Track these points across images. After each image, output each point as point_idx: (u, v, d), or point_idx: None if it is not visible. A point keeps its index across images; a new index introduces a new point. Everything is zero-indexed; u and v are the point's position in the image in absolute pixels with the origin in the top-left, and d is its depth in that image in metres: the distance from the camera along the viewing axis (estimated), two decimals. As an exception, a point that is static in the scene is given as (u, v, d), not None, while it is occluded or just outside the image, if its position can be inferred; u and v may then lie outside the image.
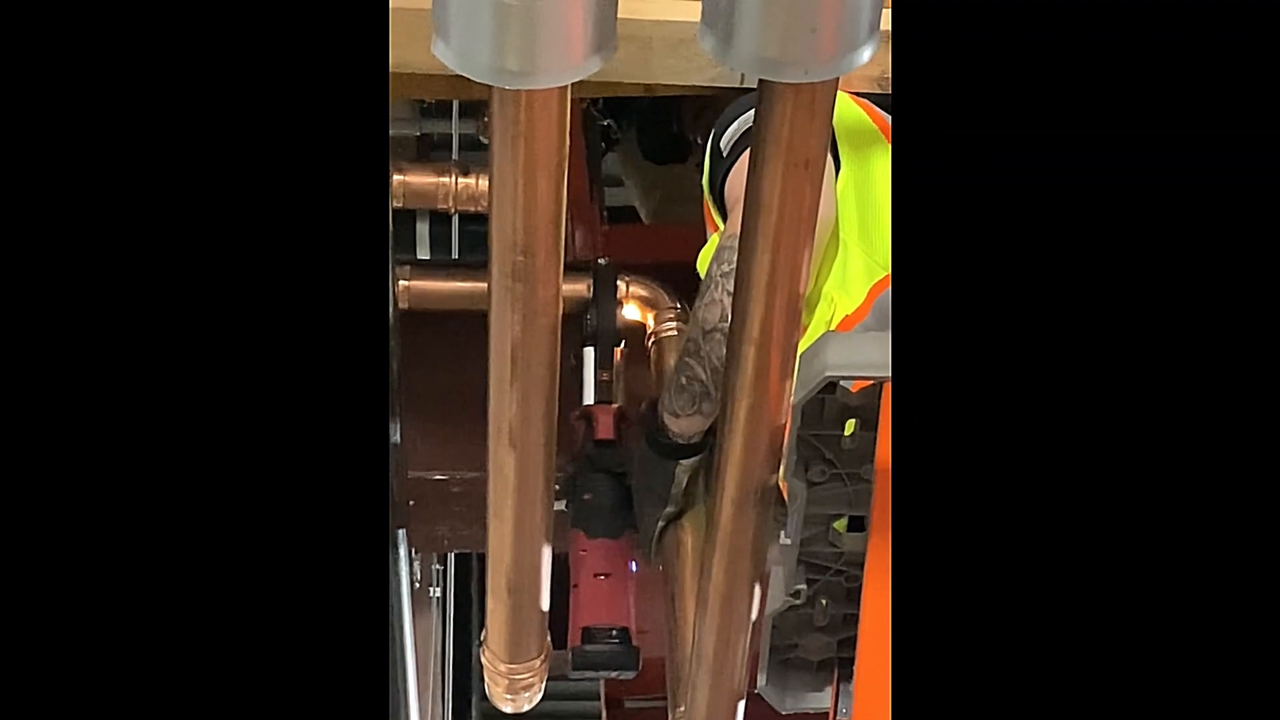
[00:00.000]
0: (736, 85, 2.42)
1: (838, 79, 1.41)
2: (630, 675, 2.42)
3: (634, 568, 2.46)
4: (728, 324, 2.05)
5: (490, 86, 1.36)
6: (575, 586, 2.41)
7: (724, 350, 2.06)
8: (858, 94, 2.31)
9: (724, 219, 2.22)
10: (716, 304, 2.10)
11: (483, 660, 2.03)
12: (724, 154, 2.21)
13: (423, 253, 4.07)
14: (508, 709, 2.13)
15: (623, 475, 2.44)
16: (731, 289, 2.03)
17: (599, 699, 4.04)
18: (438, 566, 4.29)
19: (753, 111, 2.13)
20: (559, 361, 1.68)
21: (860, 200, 2.15)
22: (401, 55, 1.58)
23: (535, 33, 1.29)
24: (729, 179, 2.19)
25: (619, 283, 2.55)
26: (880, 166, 2.16)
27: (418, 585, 3.81)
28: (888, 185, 2.11)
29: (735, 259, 2.05)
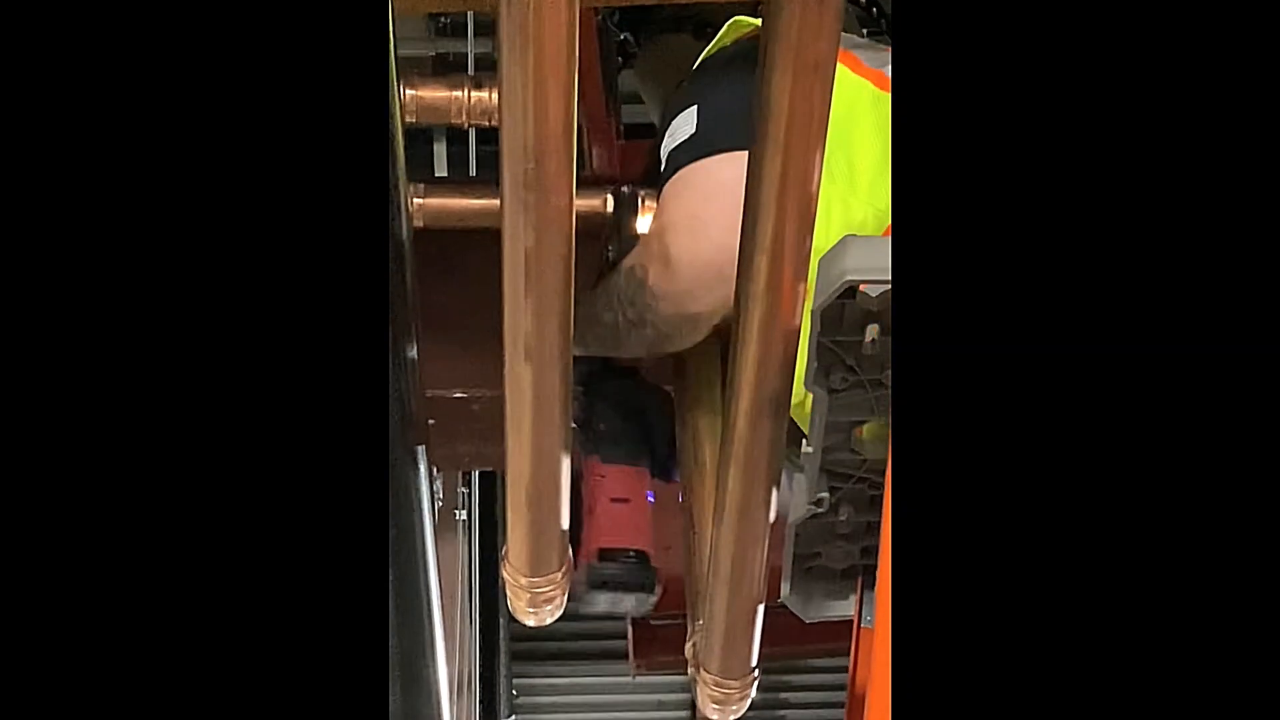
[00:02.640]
0: None
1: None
2: (649, 598, 2.43)
3: (651, 497, 2.47)
4: (616, 333, 2.20)
5: (494, -10, 1.36)
6: (590, 512, 2.42)
7: (607, 340, 2.26)
8: None
9: None
10: (611, 311, 2.23)
11: (504, 574, 2.04)
12: (661, 163, 2.20)
13: (440, 172, 4.06)
14: (530, 622, 2.13)
15: (638, 402, 2.46)
16: (628, 314, 2.17)
17: (624, 617, 4.06)
18: (463, 490, 4.31)
19: (691, 109, 2.15)
20: (574, 274, 1.68)
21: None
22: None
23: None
24: (665, 193, 2.19)
25: (638, 200, 2.53)
26: (844, 92, 2.09)
27: (440, 504, 3.83)
28: (853, 109, 2.07)
29: (639, 295, 2.15)
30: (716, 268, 2.00)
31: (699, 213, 2.11)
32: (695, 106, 2.17)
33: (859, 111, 2.06)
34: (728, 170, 2.00)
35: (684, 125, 2.17)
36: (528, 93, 1.47)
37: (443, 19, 3.96)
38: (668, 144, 2.18)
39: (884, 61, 2.13)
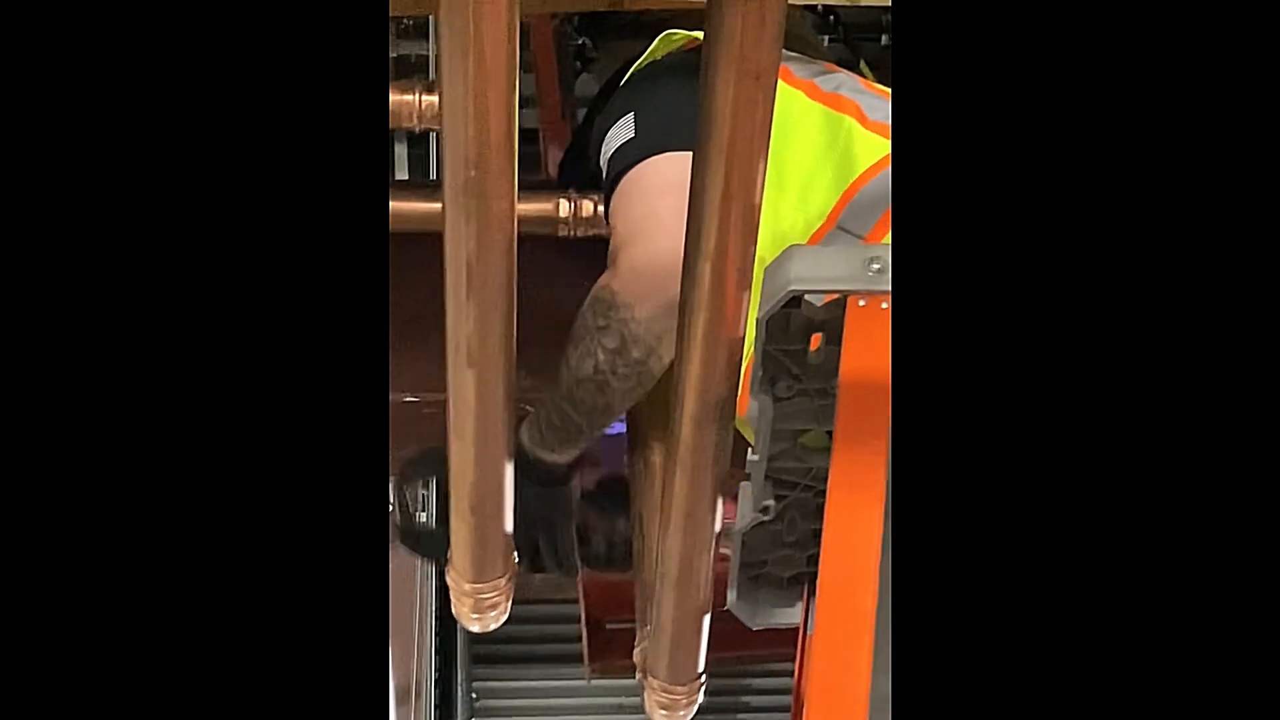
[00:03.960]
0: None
1: (790, -13, 1.41)
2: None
3: None
4: (602, 375, 2.11)
5: (435, -5, 1.36)
6: None
7: (598, 396, 2.13)
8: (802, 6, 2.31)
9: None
10: (591, 356, 2.12)
11: (448, 580, 2.04)
12: (604, 172, 2.19)
13: (401, 174, 4.06)
14: (475, 628, 2.13)
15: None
16: (606, 343, 2.09)
17: (580, 621, 4.07)
18: (424, 492, 4.30)
19: (628, 116, 2.14)
20: (516, 279, 1.68)
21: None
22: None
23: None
24: (613, 205, 2.18)
25: (588, 202, 2.53)
26: (780, 105, 2.12)
27: (393, 508, 3.83)
28: (790, 122, 2.08)
29: (612, 313, 2.09)
30: (677, 258, 2.00)
31: (652, 210, 2.10)
32: (632, 114, 2.17)
33: (790, 121, 2.07)
34: (672, 167, 2.01)
35: (622, 131, 2.16)
36: (468, 99, 1.46)
37: (404, 21, 3.95)
38: (606, 150, 2.17)
39: (815, 73, 2.15)
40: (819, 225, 2.03)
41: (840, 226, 2.04)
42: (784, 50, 2.19)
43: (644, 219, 2.12)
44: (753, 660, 3.40)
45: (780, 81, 2.08)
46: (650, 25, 3.01)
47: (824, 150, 2.06)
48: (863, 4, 2.35)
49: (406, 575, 4.07)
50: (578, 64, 3.36)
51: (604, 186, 2.19)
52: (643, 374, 2.13)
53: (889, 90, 2.14)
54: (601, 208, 2.38)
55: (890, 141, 1.99)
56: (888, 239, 1.86)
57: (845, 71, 2.26)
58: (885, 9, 2.63)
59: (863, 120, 2.08)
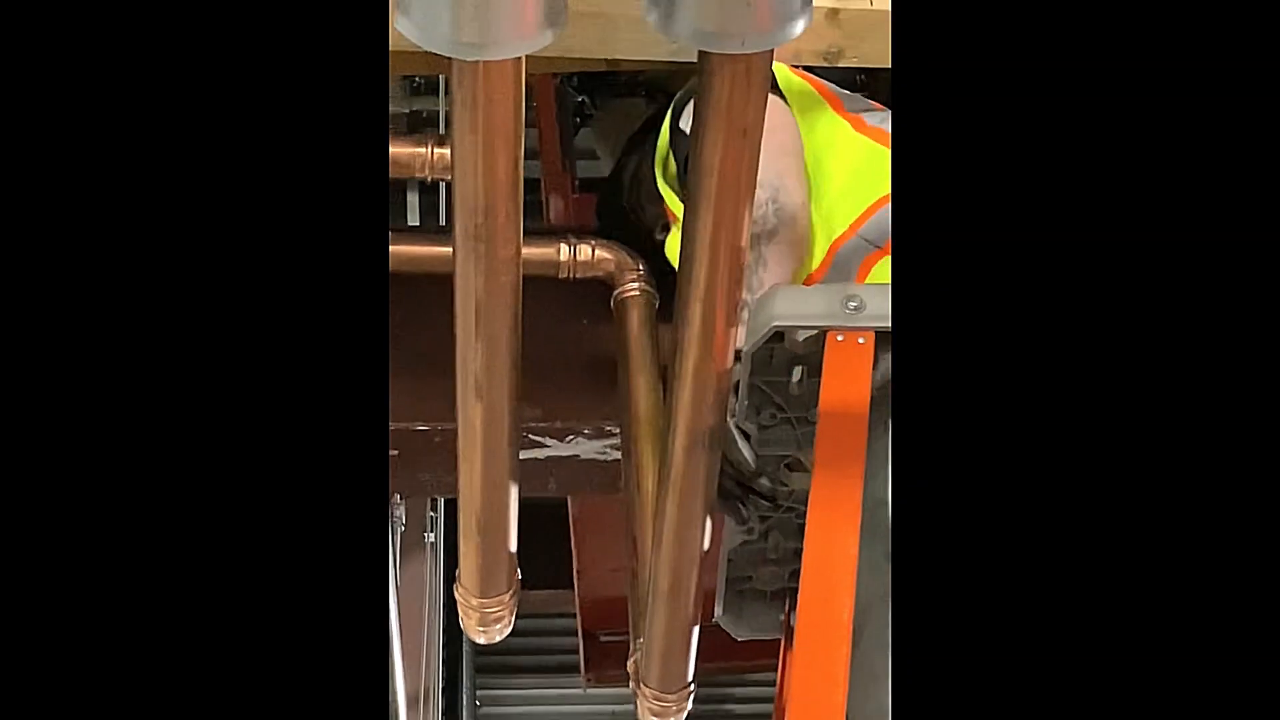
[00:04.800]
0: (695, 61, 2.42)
1: (773, 50, 1.41)
2: None
3: None
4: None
5: (450, 59, 1.36)
6: None
7: None
8: (806, 68, 2.31)
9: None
10: None
11: (456, 596, 2.04)
12: (686, 133, 2.19)
13: (413, 220, 4.08)
14: (480, 640, 2.13)
15: None
16: None
17: (577, 634, 4.06)
18: (432, 515, 4.31)
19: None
20: (521, 317, 1.69)
21: (810, 162, 2.15)
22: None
23: (489, 7, 1.29)
24: None
25: (585, 246, 2.54)
26: (823, 129, 2.15)
27: (403, 529, 3.84)
28: (831, 146, 2.11)
29: None
30: None
31: None
32: None
33: (835, 145, 2.10)
34: None
35: None
36: (477, 152, 1.47)
37: (417, 79, 3.97)
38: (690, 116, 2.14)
39: (863, 108, 2.19)
40: (840, 233, 2.05)
41: (861, 236, 2.06)
42: (838, 88, 2.21)
43: None
44: (738, 670, 3.38)
45: (832, 111, 2.11)
46: (645, 85, 3.04)
47: (859, 172, 2.08)
48: (867, 66, 2.33)
49: (416, 591, 4.07)
50: (577, 120, 3.38)
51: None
52: None
53: None
54: (601, 252, 2.40)
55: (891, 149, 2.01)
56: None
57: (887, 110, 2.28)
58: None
59: None
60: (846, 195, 2.08)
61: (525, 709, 6.60)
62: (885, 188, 2.06)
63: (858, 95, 2.29)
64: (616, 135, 3.26)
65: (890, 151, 2.09)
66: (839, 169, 2.11)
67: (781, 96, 2.13)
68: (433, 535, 4.30)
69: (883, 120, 2.18)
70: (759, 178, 1.93)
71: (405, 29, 1.32)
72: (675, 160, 2.22)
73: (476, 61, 1.38)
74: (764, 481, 1.95)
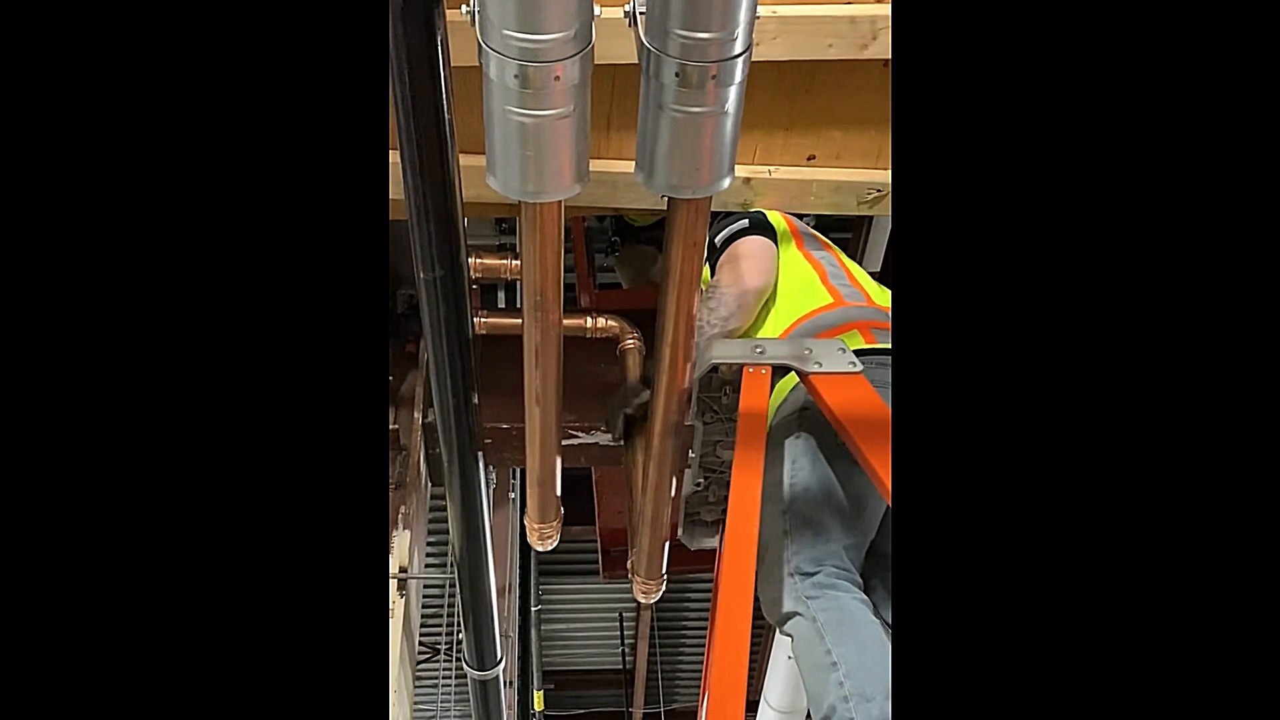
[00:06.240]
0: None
1: (711, 196, 1.40)
2: None
3: None
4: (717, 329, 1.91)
5: (519, 201, 1.35)
6: None
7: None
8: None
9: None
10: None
11: (524, 523, 2.02)
12: (716, 246, 2.09)
13: (502, 305, 4.04)
14: (539, 548, 2.11)
15: None
16: (710, 306, 1.90)
17: (597, 550, 4.02)
18: (514, 481, 4.27)
19: (738, 221, 2.04)
20: (562, 358, 1.67)
21: (783, 272, 2.07)
22: (479, 191, 1.56)
23: (543, 170, 1.28)
24: (720, 261, 2.07)
25: (601, 319, 2.51)
26: (786, 257, 2.03)
27: (494, 487, 3.79)
28: (786, 269, 2.03)
29: (709, 300, 1.97)
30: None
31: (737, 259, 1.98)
32: (746, 219, 2.05)
33: (791, 272, 2.00)
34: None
35: (729, 227, 2.04)
36: (533, 256, 1.46)
37: (504, 223, 3.95)
38: (721, 238, 2.02)
39: (815, 247, 2.06)
40: (782, 330, 1.96)
41: (793, 336, 2.01)
42: (805, 228, 2.10)
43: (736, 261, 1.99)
44: (692, 570, 3.35)
45: (796, 250, 2.05)
46: (658, 239, 3.01)
47: (800, 293, 2.00)
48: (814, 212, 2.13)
49: (502, 526, 4.02)
50: (608, 248, 3.36)
51: (717, 250, 2.02)
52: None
53: (852, 263, 2.08)
54: (610, 322, 2.38)
55: (835, 295, 1.91)
56: (814, 345, 1.75)
57: (834, 250, 2.13)
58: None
59: (824, 279, 2.01)
60: (791, 307, 1.99)
61: (567, 596, 6.53)
62: (810, 308, 1.95)
63: (815, 234, 2.18)
64: (633, 267, 3.25)
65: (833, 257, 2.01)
66: (786, 288, 2.05)
67: (773, 234, 2.04)
68: (514, 494, 4.25)
69: (821, 258, 2.05)
70: (743, 285, 1.90)
71: (493, 184, 1.31)
72: (710, 262, 2.08)
73: (535, 203, 1.37)
74: (706, 455, 1.92)
